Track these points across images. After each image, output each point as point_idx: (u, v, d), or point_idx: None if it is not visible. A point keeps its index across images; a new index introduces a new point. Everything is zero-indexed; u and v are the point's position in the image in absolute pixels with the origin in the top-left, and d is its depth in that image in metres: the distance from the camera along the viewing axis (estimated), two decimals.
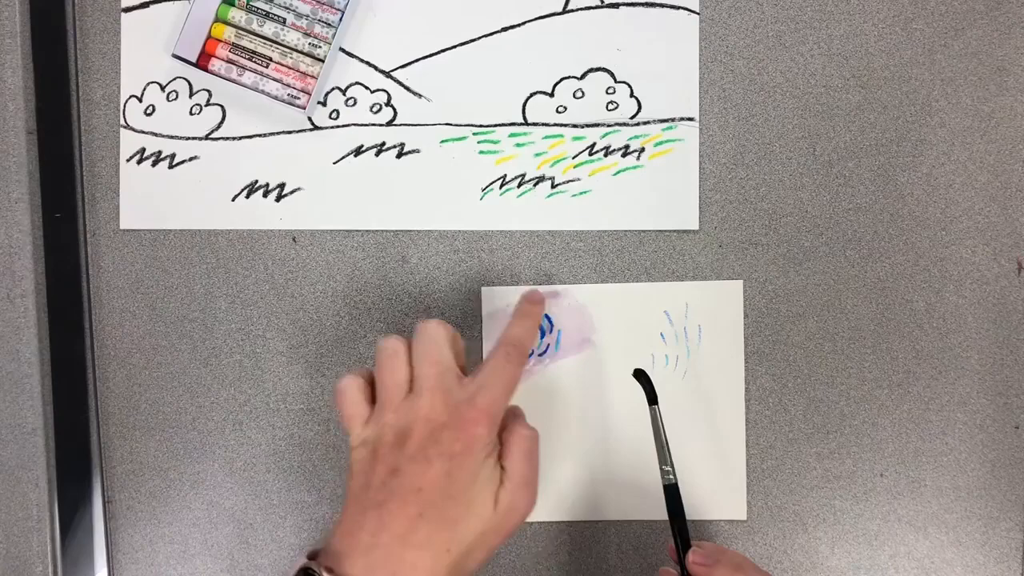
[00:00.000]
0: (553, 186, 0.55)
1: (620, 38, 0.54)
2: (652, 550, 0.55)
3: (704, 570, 0.45)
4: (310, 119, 0.56)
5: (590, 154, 0.55)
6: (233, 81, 0.55)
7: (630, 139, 0.54)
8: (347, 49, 0.55)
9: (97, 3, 0.56)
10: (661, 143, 0.54)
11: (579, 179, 0.55)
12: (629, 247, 0.55)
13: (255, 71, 0.55)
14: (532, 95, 0.55)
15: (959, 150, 0.54)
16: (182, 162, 0.56)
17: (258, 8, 0.54)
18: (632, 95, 0.54)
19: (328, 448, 0.56)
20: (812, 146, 0.54)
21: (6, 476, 0.56)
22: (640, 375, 0.51)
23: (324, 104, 0.55)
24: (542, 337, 0.55)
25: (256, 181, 0.56)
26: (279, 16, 0.54)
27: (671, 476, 0.48)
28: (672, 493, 0.48)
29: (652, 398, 0.49)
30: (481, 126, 0.55)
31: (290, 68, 0.55)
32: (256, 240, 0.56)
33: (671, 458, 0.48)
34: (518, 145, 0.55)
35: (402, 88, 0.55)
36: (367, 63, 0.55)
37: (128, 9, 0.56)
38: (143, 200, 0.56)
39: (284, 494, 0.56)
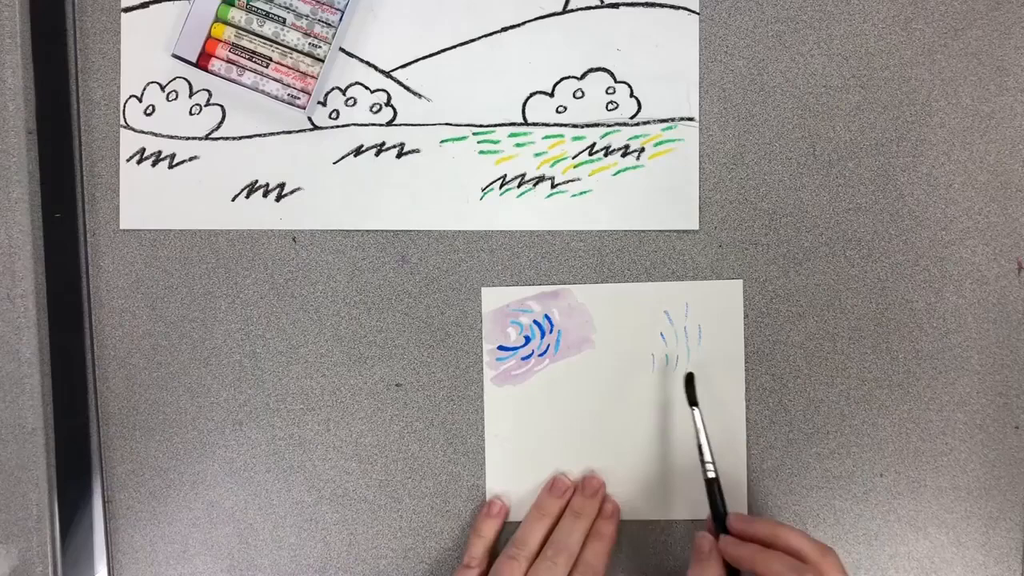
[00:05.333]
0: (553, 186, 0.55)
1: (620, 38, 0.54)
2: (652, 550, 0.55)
3: (746, 523, 0.48)
4: (310, 119, 0.56)
5: (590, 154, 0.55)
6: (233, 81, 0.55)
7: (630, 139, 0.54)
8: (347, 49, 0.55)
9: (97, 3, 0.56)
10: (661, 143, 0.54)
11: (579, 179, 0.55)
12: (629, 247, 0.55)
13: (255, 71, 0.55)
14: (532, 95, 0.55)
15: (959, 150, 0.54)
16: (182, 162, 0.56)
17: (258, 8, 0.54)
18: (632, 95, 0.54)
19: (328, 448, 0.56)
20: (812, 146, 0.54)
21: (6, 476, 0.56)
22: (688, 379, 0.53)
23: (324, 104, 0.55)
24: (542, 337, 0.55)
25: (256, 181, 0.56)
26: (279, 16, 0.54)
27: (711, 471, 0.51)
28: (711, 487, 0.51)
29: (692, 401, 0.52)
30: (481, 126, 0.55)
31: (290, 68, 0.55)
32: (256, 240, 0.56)
33: (712, 453, 0.51)
34: (518, 145, 0.55)
35: (402, 88, 0.55)
36: (367, 63, 0.55)
37: (128, 9, 0.56)
38: (143, 200, 0.56)
39: (284, 494, 0.56)
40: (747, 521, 0.49)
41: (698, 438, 0.51)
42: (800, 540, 0.46)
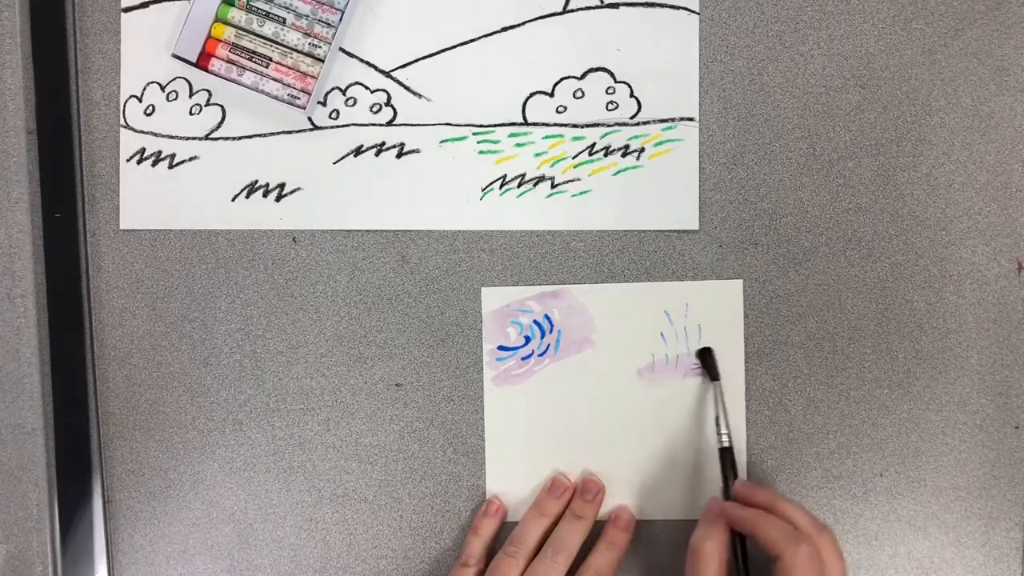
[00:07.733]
0: (553, 186, 0.55)
1: (620, 38, 0.54)
2: (653, 549, 0.55)
3: (750, 490, 0.50)
4: (310, 119, 0.56)
5: (590, 154, 0.55)
6: (233, 81, 0.55)
7: (630, 139, 0.54)
8: (347, 49, 0.55)
9: (97, 3, 0.56)
10: (661, 143, 0.54)
11: (579, 179, 0.55)
12: (629, 247, 0.55)
13: (255, 71, 0.55)
14: (532, 95, 0.55)
15: (959, 150, 0.54)
16: (182, 162, 0.56)
17: (258, 8, 0.54)
18: (632, 95, 0.54)
19: (328, 448, 0.56)
20: (812, 146, 0.54)
21: (6, 476, 0.56)
22: (705, 353, 0.54)
23: (324, 104, 0.55)
24: (542, 337, 0.55)
25: (256, 181, 0.56)
26: (279, 16, 0.54)
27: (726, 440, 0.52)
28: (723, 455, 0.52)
29: (714, 375, 0.53)
30: (481, 126, 0.55)
31: (290, 68, 0.55)
32: (256, 240, 0.56)
33: (728, 424, 0.53)
34: (518, 145, 0.55)
35: (402, 88, 0.55)
36: (367, 63, 0.55)
37: (128, 9, 0.56)
38: (143, 200, 0.56)
39: (284, 494, 0.56)
40: (751, 489, 0.50)
41: (716, 409, 0.53)
42: (798, 513, 0.48)
